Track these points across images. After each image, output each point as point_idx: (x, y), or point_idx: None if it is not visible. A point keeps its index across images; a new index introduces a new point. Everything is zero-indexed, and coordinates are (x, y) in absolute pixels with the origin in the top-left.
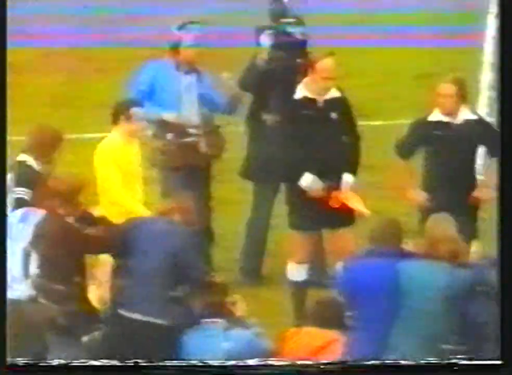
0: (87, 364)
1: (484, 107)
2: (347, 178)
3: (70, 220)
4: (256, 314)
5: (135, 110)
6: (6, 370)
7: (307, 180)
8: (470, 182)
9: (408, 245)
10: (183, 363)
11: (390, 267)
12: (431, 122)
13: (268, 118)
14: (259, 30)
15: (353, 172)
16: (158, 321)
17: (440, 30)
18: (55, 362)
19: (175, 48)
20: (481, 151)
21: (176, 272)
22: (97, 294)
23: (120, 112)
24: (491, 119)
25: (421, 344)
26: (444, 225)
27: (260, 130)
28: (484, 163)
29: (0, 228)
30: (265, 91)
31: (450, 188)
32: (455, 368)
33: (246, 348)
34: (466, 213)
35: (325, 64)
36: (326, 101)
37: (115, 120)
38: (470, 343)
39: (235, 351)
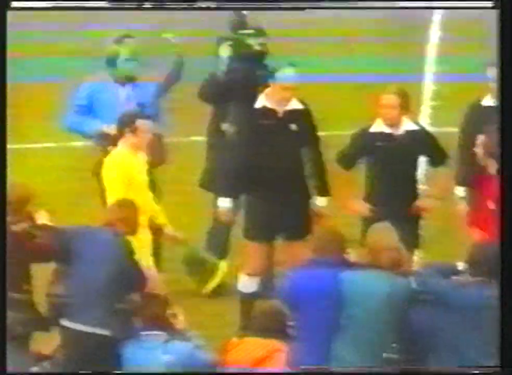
0: None
1: (426, 117)
2: (320, 202)
3: (17, 228)
4: (201, 326)
5: (140, 123)
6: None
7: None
8: (412, 192)
9: (351, 255)
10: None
11: (333, 277)
12: (372, 133)
13: (227, 129)
14: (219, 41)
15: (324, 194)
16: (101, 332)
17: (382, 41)
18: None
19: (111, 60)
20: (423, 161)
21: (119, 282)
22: (41, 302)
23: (125, 125)
24: (434, 129)
25: (364, 353)
26: (385, 234)
27: (220, 141)
28: (426, 173)
29: (0, 228)
30: (224, 102)
31: (392, 198)
32: None
33: (187, 361)
34: (408, 222)
35: (285, 74)
36: (286, 112)
37: (121, 132)
38: (413, 352)
39: (175, 364)
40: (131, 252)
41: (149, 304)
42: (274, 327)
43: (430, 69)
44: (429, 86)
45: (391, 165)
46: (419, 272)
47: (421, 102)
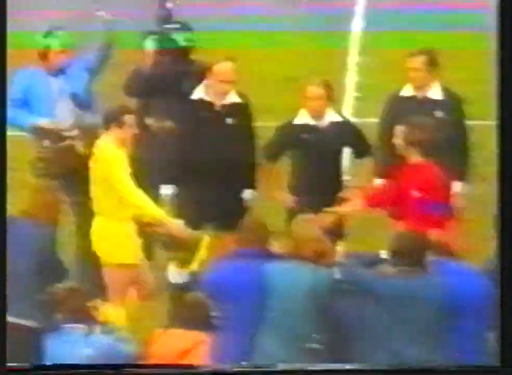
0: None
1: (349, 108)
2: (246, 195)
3: None
4: (127, 318)
5: (127, 117)
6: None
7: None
8: (337, 183)
9: (274, 246)
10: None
11: (256, 268)
12: (297, 125)
13: (153, 123)
14: (144, 34)
15: (250, 186)
16: (26, 323)
17: (306, 32)
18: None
19: (43, 53)
20: (347, 152)
21: (42, 273)
22: None
23: (112, 119)
24: (357, 120)
25: (287, 344)
26: (309, 225)
27: (145, 136)
28: (350, 165)
29: (1, 228)
30: (150, 97)
31: (316, 190)
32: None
33: (108, 353)
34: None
35: (223, 67)
36: (224, 105)
37: (106, 126)
38: (337, 342)
39: (96, 357)
40: (53, 243)
41: (70, 296)
42: (198, 319)
43: (353, 59)
44: (351, 77)
45: (315, 157)
46: (342, 263)
47: (344, 93)
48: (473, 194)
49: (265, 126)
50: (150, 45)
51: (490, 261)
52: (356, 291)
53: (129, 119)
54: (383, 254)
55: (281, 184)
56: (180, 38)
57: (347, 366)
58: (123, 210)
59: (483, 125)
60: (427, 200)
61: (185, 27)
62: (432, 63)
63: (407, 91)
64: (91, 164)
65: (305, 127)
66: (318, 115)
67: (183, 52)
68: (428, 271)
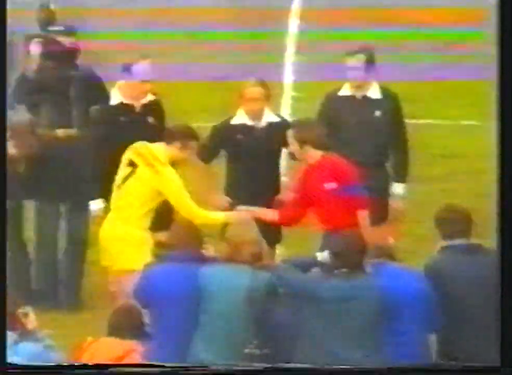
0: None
1: (287, 108)
2: None
3: None
4: (57, 325)
5: (192, 143)
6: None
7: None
8: (274, 185)
9: (209, 249)
10: None
11: (190, 272)
12: (234, 125)
13: (61, 133)
14: (28, 38)
15: None
16: None
17: (241, 31)
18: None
19: None
20: (285, 153)
21: None
22: None
23: (178, 138)
24: (294, 119)
25: (223, 349)
26: (245, 228)
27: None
28: (287, 166)
29: (0, 226)
30: (38, 104)
31: (253, 192)
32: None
33: (36, 361)
34: None
35: (142, 66)
36: (143, 105)
37: (171, 139)
38: (276, 347)
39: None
40: None
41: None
42: (128, 327)
43: (290, 59)
44: (289, 77)
45: (251, 158)
46: (279, 266)
47: (281, 93)
48: (413, 195)
49: (198, 127)
50: (34, 48)
51: (431, 262)
52: (293, 295)
53: (193, 145)
54: (320, 256)
55: (217, 186)
56: (66, 41)
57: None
58: (146, 222)
59: (423, 124)
60: (342, 186)
61: (70, 30)
62: (370, 61)
63: (345, 91)
64: (138, 170)
65: (241, 128)
66: (256, 116)
67: (69, 56)
68: (367, 273)
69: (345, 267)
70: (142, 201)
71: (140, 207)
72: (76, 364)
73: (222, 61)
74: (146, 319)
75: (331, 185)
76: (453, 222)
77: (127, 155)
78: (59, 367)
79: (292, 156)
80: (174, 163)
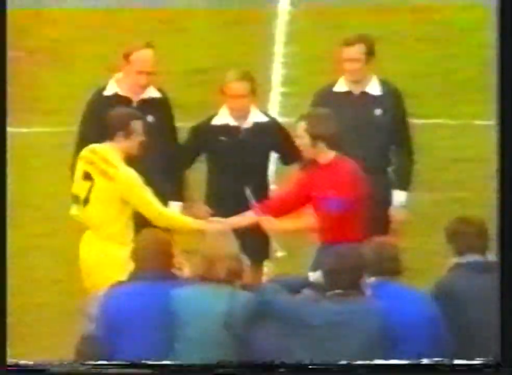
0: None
1: (275, 105)
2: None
3: None
4: None
5: (135, 124)
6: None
7: None
8: (262, 194)
9: (182, 267)
10: None
11: (160, 293)
12: (216, 126)
13: None
14: None
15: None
16: None
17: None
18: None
19: None
20: (274, 157)
21: None
22: None
23: (118, 127)
24: (283, 119)
25: None
26: (222, 241)
27: None
28: (277, 172)
29: (0, 226)
30: None
31: (237, 201)
32: None
33: None
34: (256, 229)
35: (142, 56)
36: (142, 101)
37: (111, 134)
38: (254, 371)
39: None
40: None
41: None
42: (89, 355)
43: (279, 49)
44: (277, 70)
45: (236, 163)
46: (263, 286)
47: (269, 88)
48: (419, 205)
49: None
50: None
51: (441, 282)
52: (278, 320)
53: (137, 125)
54: (313, 276)
55: (195, 194)
56: None
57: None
58: (128, 234)
59: (431, 124)
60: (340, 198)
61: None
62: (370, 52)
63: (341, 86)
64: (95, 183)
65: (224, 128)
66: (240, 114)
67: None
68: (364, 294)
69: (339, 287)
70: (114, 215)
71: (115, 222)
72: (65, 363)
73: (200, 51)
74: (109, 346)
75: (332, 192)
76: (467, 235)
77: (80, 167)
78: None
79: (283, 161)
80: (129, 159)
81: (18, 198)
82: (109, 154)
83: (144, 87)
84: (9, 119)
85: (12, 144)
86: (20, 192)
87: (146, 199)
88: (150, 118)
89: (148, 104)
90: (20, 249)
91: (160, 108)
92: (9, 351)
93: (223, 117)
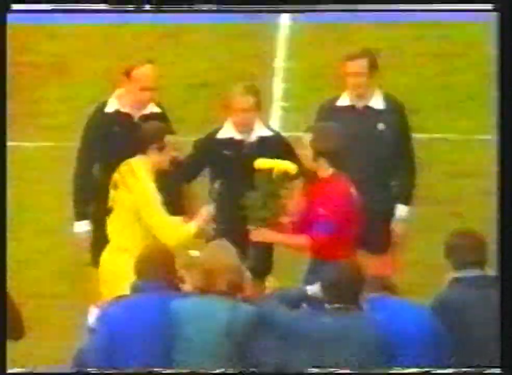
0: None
1: (276, 120)
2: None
3: None
4: None
5: (169, 138)
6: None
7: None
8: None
9: (184, 278)
10: None
11: (161, 305)
12: (220, 140)
13: None
14: None
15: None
16: None
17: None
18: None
19: None
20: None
21: None
22: None
23: (152, 140)
24: (285, 134)
25: None
26: (222, 254)
27: None
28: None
29: (0, 224)
30: None
31: (242, 216)
32: None
33: None
34: (258, 243)
35: (144, 72)
36: (143, 116)
37: (144, 147)
38: None
39: None
40: None
41: None
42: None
43: (279, 64)
44: (278, 85)
45: (239, 177)
46: (263, 301)
47: (270, 103)
48: (419, 219)
49: (177, 141)
50: None
51: (439, 296)
52: (278, 334)
53: (171, 140)
54: (311, 290)
55: (197, 208)
56: None
57: None
58: (142, 243)
59: (430, 139)
60: (329, 222)
61: None
62: (373, 67)
63: (344, 100)
64: (117, 192)
65: (229, 142)
66: (245, 128)
67: None
68: (362, 309)
69: (338, 302)
70: (129, 226)
71: (133, 236)
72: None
73: (202, 65)
74: (108, 361)
75: (321, 212)
76: (466, 250)
77: (114, 177)
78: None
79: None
80: (159, 173)
81: (18, 212)
82: (137, 166)
83: (146, 103)
84: (9, 133)
85: (12, 158)
86: (20, 206)
87: (157, 215)
88: None
89: (148, 120)
90: (20, 264)
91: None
92: (9, 363)
93: (227, 131)
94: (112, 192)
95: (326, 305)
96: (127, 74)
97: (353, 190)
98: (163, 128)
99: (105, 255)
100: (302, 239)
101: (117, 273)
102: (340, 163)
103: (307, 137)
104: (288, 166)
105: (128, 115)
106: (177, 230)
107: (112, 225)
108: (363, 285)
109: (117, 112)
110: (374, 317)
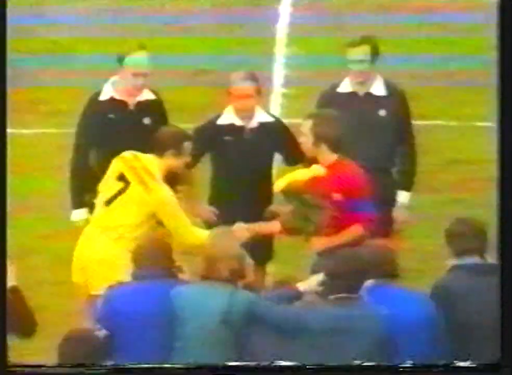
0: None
1: (277, 106)
2: None
3: None
4: None
5: (186, 145)
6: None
7: None
8: (267, 194)
9: (182, 266)
10: None
11: (161, 292)
12: (221, 126)
13: None
14: None
15: None
16: None
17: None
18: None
19: None
20: (278, 158)
21: None
22: None
23: (171, 145)
24: (285, 121)
25: None
26: (224, 241)
27: None
28: (280, 173)
29: (0, 226)
30: None
31: (241, 201)
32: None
33: None
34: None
35: (136, 58)
36: (139, 103)
37: (161, 150)
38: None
39: None
40: None
41: None
42: (87, 356)
43: (280, 50)
44: (279, 71)
45: (240, 163)
46: (267, 286)
47: (271, 89)
48: (420, 206)
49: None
50: None
51: (439, 283)
52: (278, 324)
53: (188, 146)
54: (302, 285)
55: (199, 193)
56: None
57: None
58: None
59: (431, 125)
60: (350, 200)
61: None
62: (374, 53)
63: (346, 86)
64: (131, 187)
65: (229, 128)
66: (246, 115)
67: None
68: (364, 299)
69: (341, 292)
70: (136, 223)
71: (133, 229)
72: (71, 364)
73: (202, 51)
74: (111, 346)
75: (336, 196)
76: (466, 237)
77: (117, 167)
78: (61, 366)
79: (286, 162)
80: (170, 176)
81: (19, 199)
82: (152, 166)
83: (140, 90)
84: (9, 120)
85: (12, 145)
86: (21, 194)
87: (182, 222)
88: (146, 120)
89: (143, 107)
90: (21, 251)
91: (155, 110)
92: (9, 352)
93: (228, 118)
94: (116, 184)
95: (328, 296)
96: (120, 60)
97: (362, 173)
98: (181, 134)
99: (85, 242)
100: (357, 230)
101: (103, 261)
102: (342, 148)
103: (307, 124)
104: (312, 172)
105: (123, 102)
106: (195, 234)
107: (111, 215)
108: (366, 275)
109: (112, 99)
110: (374, 306)
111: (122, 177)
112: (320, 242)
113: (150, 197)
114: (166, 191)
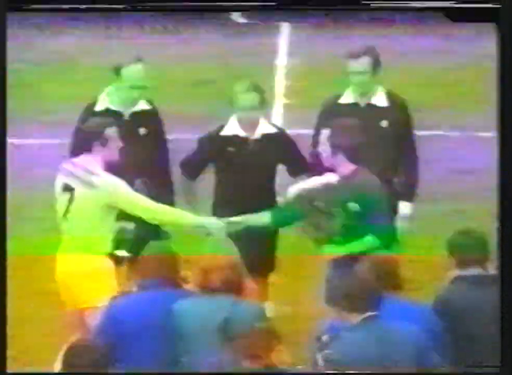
0: None
1: (279, 117)
2: None
3: None
4: None
5: (109, 131)
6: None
7: None
8: (270, 205)
9: (188, 278)
10: None
11: (164, 304)
12: (224, 137)
13: None
14: None
15: None
16: None
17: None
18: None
19: None
20: (282, 169)
21: None
22: None
23: (94, 137)
24: (288, 131)
25: None
26: (220, 250)
27: None
28: (283, 184)
29: (0, 226)
30: None
31: (246, 212)
32: None
33: None
34: (262, 241)
35: (133, 70)
36: (134, 114)
37: (88, 147)
38: None
39: None
40: None
41: None
42: (86, 366)
43: (282, 61)
44: (280, 82)
45: (244, 174)
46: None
47: (273, 99)
48: (422, 216)
49: (178, 139)
50: None
51: (441, 294)
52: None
53: (112, 131)
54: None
55: (202, 204)
56: None
57: None
58: (108, 243)
59: (434, 136)
60: (365, 210)
61: None
62: (376, 64)
63: (347, 97)
64: (75, 192)
65: (233, 139)
66: (249, 126)
67: None
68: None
69: (357, 312)
70: (96, 223)
71: (96, 230)
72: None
73: (206, 62)
74: (111, 359)
75: (352, 206)
76: (468, 248)
77: (59, 181)
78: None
79: (290, 173)
80: (110, 166)
81: (18, 209)
82: (89, 164)
83: (136, 101)
84: (9, 130)
85: (12, 155)
86: (20, 204)
87: (136, 199)
88: (142, 130)
89: (139, 117)
90: (20, 260)
91: (151, 120)
92: (8, 362)
93: (232, 129)
94: (63, 196)
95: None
96: (117, 71)
97: (380, 184)
98: (101, 122)
99: (61, 259)
100: (370, 240)
101: (81, 274)
102: (359, 157)
103: (325, 133)
104: (325, 180)
105: (118, 113)
106: (169, 211)
107: (72, 226)
108: (381, 290)
109: (107, 110)
110: (379, 322)
111: (66, 188)
112: (331, 251)
113: (96, 191)
114: (110, 179)
